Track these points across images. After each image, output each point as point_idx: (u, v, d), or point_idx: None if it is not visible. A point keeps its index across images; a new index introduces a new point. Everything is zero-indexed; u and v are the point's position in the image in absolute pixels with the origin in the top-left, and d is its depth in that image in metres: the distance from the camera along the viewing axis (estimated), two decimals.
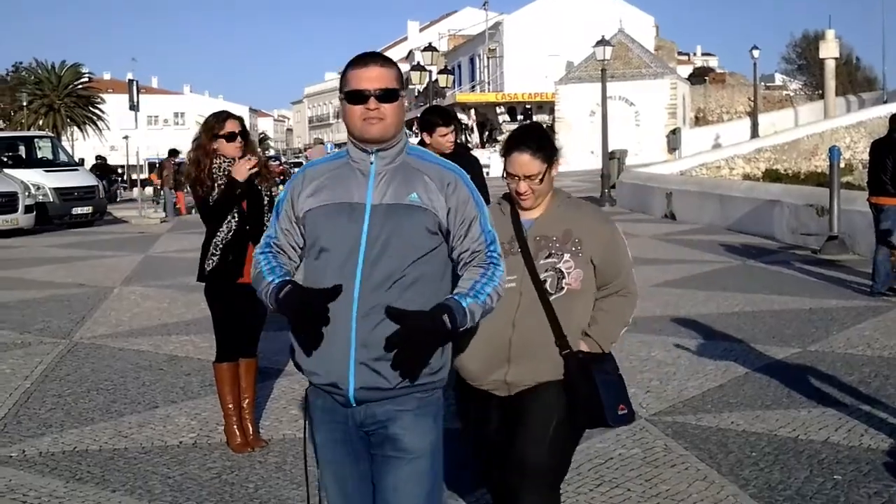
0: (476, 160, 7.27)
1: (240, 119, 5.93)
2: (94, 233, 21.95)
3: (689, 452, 5.70)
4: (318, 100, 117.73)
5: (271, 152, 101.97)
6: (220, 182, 5.67)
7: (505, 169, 3.63)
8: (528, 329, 3.53)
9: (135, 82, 25.74)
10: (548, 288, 3.54)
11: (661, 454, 5.69)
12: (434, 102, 41.19)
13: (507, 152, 3.61)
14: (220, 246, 5.74)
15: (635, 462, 5.56)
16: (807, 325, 9.09)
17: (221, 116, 5.79)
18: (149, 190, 34.60)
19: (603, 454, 5.71)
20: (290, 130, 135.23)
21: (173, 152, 30.27)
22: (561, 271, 3.56)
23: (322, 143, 45.00)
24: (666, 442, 5.91)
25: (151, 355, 8.56)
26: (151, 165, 54.68)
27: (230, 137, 5.65)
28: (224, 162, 5.73)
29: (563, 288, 3.55)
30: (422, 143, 6.50)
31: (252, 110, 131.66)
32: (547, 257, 3.58)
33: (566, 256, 3.57)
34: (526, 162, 3.57)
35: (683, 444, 5.86)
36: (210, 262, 5.76)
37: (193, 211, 27.05)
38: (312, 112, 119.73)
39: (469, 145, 56.60)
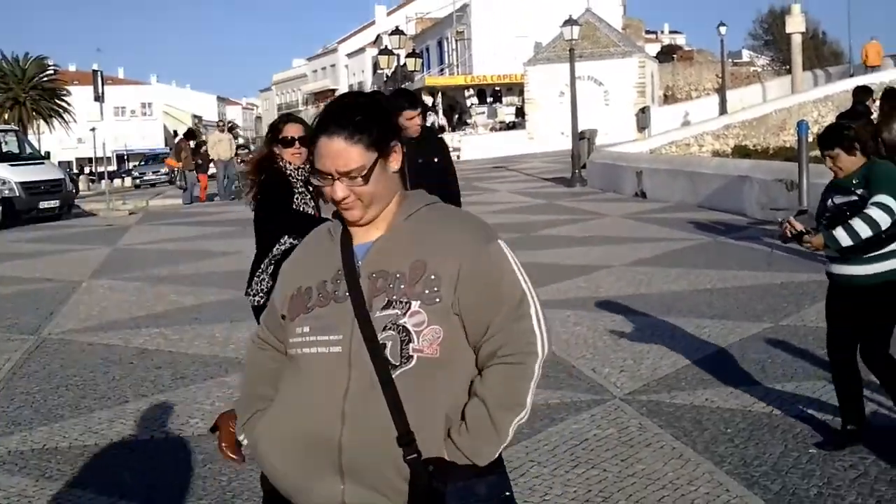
0: (445, 145, 7.20)
1: (303, 123, 5.55)
2: (62, 226, 21.70)
3: (663, 431, 5.70)
4: (287, 87, 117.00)
5: (240, 141, 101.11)
6: (298, 189, 5.12)
7: (313, 165, 2.39)
8: (366, 423, 2.25)
9: (99, 73, 25.41)
10: (388, 356, 2.26)
11: (637, 434, 5.68)
12: (404, 87, 41.02)
13: (312, 139, 2.40)
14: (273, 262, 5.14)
15: (611, 442, 5.55)
16: (778, 300, 9.11)
17: (283, 119, 5.44)
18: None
19: (578, 435, 5.69)
20: (258, 118, 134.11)
21: (190, 134, 29.68)
22: (406, 330, 2.27)
23: None
24: (641, 421, 5.90)
25: (121, 349, 8.46)
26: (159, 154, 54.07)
27: (287, 143, 5.20)
28: (290, 166, 5.19)
29: (410, 357, 2.26)
30: None
31: (220, 98, 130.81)
32: (385, 307, 2.29)
33: (414, 305, 2.27)
34: (338, 151, 2.32)
35: (658, 422, 5.85)
36: (262, 284, 5.13)
37: (217, 198, 26.95)
38: (281, 99, 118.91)
39: (444, 129, 56.52)
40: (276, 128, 5.33)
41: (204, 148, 28.03)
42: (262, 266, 5.11)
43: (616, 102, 46.00)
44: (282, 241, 5.11)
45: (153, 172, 49.47)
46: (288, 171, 5.11)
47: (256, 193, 5.15)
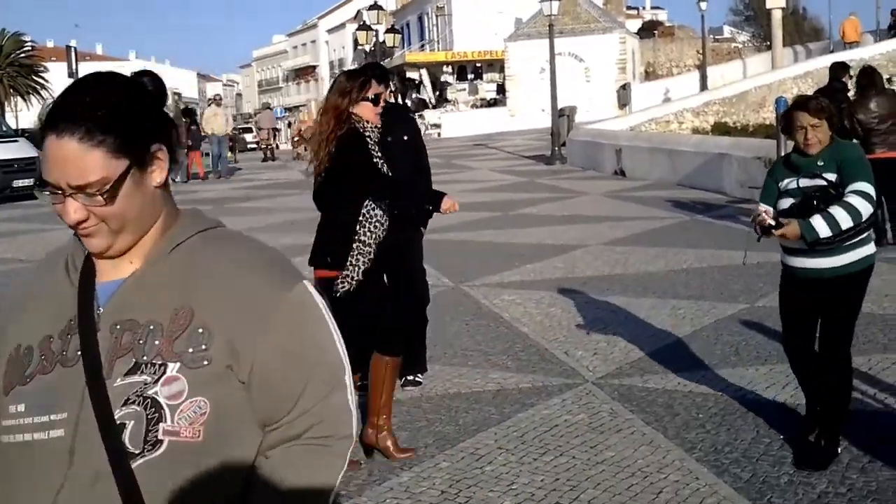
0: (412, 120, 7.01)
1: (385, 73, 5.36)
2: (37, 205, 21.41)
3: (635, 416, 5.62)
4: (267, 63, 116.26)
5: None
6: (375, 152, 4.86)
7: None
8: None
9: (73, 49, 25.12)
10: (126, 442, 1.62)
11: (608, 419, 5.60)
12: (383, 63, 40.76)
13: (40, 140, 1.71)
14: (376, 240, 4.92)
15: (581, 428, 5.46)
16: (755, 280, 9.03)
17: (368, 73, 5.01)
18: None
19: (548, 421, 5.61)
20: (239, 95, 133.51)
21: (187, 112, 29.10)
22: (156, 404, 1.64)
23: (270, 108, 44.41)
24: (612, 406, 5.82)
25: None
26: None
27: (374, 101, 4.89)
28: (368, 126, 4.90)
29: (158, 442, 1.63)
30: None
31: (200, 75, 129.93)
32: (130, 372, 1.66)
33: (172, 368, 1.66)
34: (69, 157, 1.64)
35: (630, 407, 5.77)
36: (358, 264, 4.86)
37: (210, 176, 26.52)
38: (261, 76, 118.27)
39: (426, 104, 56.20)
40: (357, 85, 4.88)
41: (194, 127, 27.65)
42: (356, 246, 4.84)
43: (597, 79, 45.82)
44: (368, 208, 4.86)
45: None
46: (366, 132, 4.85)
47: (329, 155, 4.79)
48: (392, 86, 5.68)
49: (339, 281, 4.83)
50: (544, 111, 32.67)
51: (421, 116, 53.07)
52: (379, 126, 4.90)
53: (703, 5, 46.18)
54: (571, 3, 46.83)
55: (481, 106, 53.45)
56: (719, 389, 6.03)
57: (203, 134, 26.94)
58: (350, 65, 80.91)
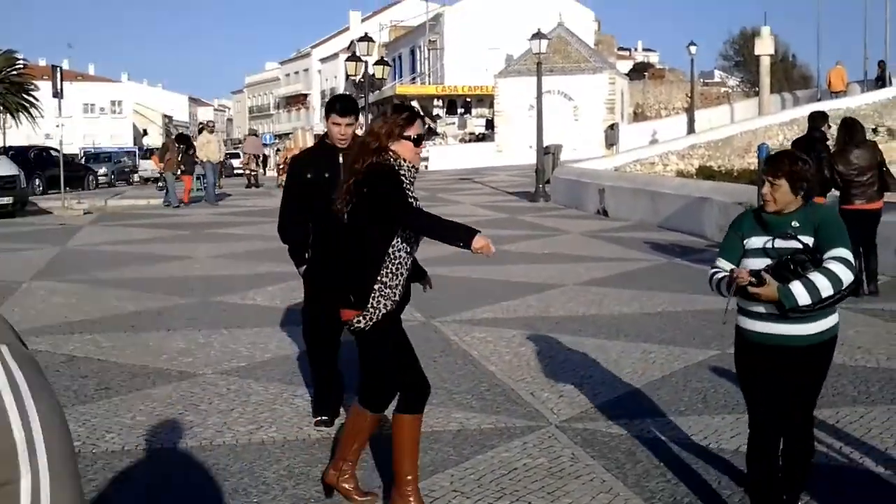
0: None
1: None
2: (14, 224, 21.27)
3: (595, 462, 5.50)
4: (259, 90, 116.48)
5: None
6: (411, 192, 4.66)
7: None
8: None
9: (58, 68, 24.91)
10: None
11: (568, 464, 5.47)
12: (371, 94, 40.77)
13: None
14: (399, 282, 4.68)
15: (540, 473, 5.34)
16: (728, 326, 8.90)
17: (408, 112, 4.79)
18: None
19: (507, 464, 5.48)
20: (230, 120, 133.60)
21: (181, 138, 28.85)
22: None
23: (256, 134, 44.34)
24: (574, 451, 5.70)
25: (49, 356, 8.13)
26: (150, 150, 52.75)
27: (417, 141, 4.68)
28: (405, 164, 4.65)
29: None
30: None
31: (192, 99, 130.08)
32: None
33: None
34: None
35: (592, 452, 5.65)
36: (379, 307, 4.63)
37: (204, 200, 25.99)
38: (253, 102, 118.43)
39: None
40: (402, 122, 4.65)
41: (192, 150, 27.28)
42: (382, 278, 4.59)
43: (586, 118, 46.03)
44: (395, 248, 4.61)
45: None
46: (401, 169, 4.65)
47: (357, 186, 4.58)
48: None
49: (356, 319, 4.62)
50: (531, 147, 32.71)
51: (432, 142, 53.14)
52: (417, 168, 4.72)
53: (693, 49, 46.56)
54: (562, 42, 47.16)
55: (470, 140, 53.58)
56: (683, 437, 5.92)
57: (196, 160, 26.77)
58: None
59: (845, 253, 4.23)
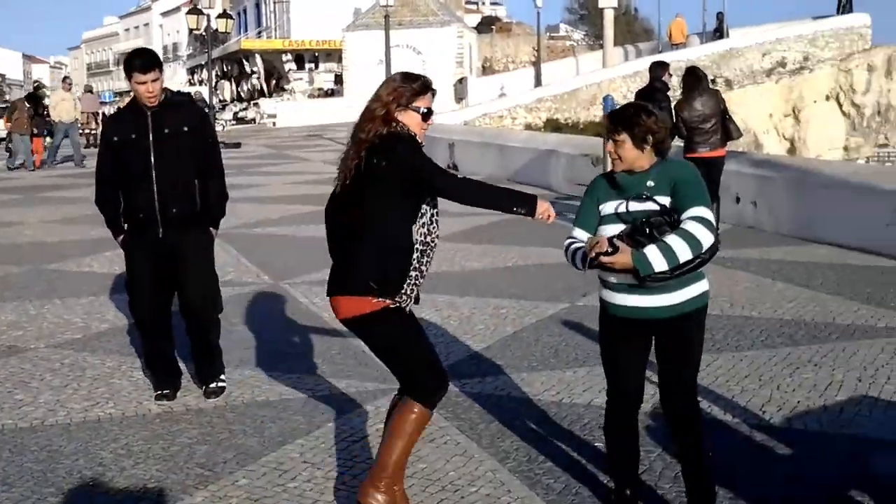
0: (202, 113, 6.45)
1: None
2: None
3: (449, 424, 5.40)
4: (97, 45, 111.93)
5: (47, 101, 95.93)
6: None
7: None
8: None
9: None
10: None
11: None
12: (215, 49, 39.57)
13: None
14: (426, 271, 4.16)
15: None
16: (577, 278, 8.95)
17: (423, 83, 4.23)
18: None
19: (359, 430, 5.32)
20: (67, 78, 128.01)
21: (32, 96, 26.21)
22: None
23: (91, 91, 42.39)
24: None
25: None
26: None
27: (426, 116, 4.20)
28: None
29: None
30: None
31: (26, 56, 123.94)
32: None
33: None
34: None
35: (445, 414, 5.54)
36: (412, 294, 4.13)
37: (52, 165, 23.61)
38: (91, 58, 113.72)
39: (259, 91, 55.01)
40: (413, 91, 4.17)
41: (44, 110, 25.36)
42: (413, 274, 4.04)
43: (435, 72, 45.65)
44: (428, 227, 4.09)
45: None
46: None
47: (363, 159, 4.03)
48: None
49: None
50: None
51: (256, 105, 52.07)
52: (423, 144, 4.18)
53: (540, 2, 46.86)
54: None
55: (318, 96, 52.81)
56: (537, 394, 5.89)
57: (50, 120, 25.01)
58: (185, 49, 78.70)
59: (705, 212, 3.84)
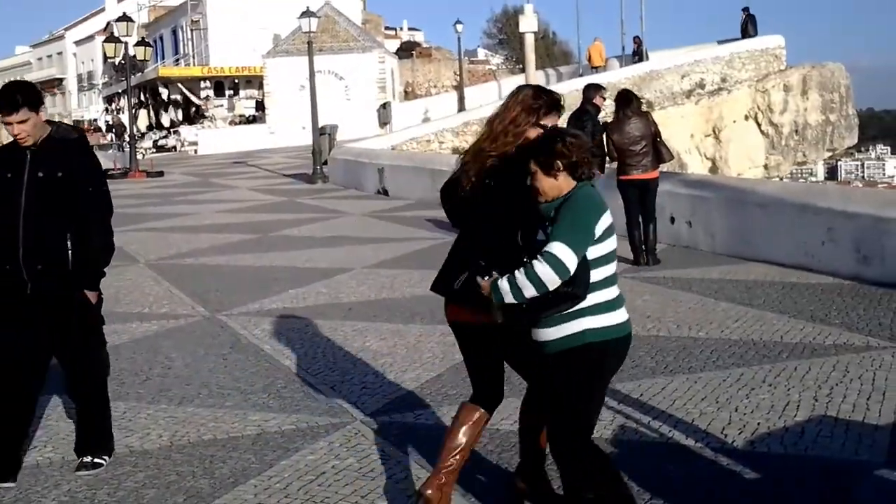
0: (84, 150, 5.37)
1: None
2: None
3: (408, 458, 5.22)
4: (8, 75, 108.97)
5: None
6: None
7: None
8: None
9: None
10: None
11: (378, 462, 5.16)
12: (133, 77, 38.83)
13: None
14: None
15: (350, 475, 5.00)
16: None
17: (555, 100, 4.09)
18: None
19: (314, 468, 5.11)
20: None
21: None
22: None
23: None
24: (383, 447, 5.40)
25: None
26: None
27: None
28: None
29: None
30: None
31: None
32: None
33: None
34: None
35: (402, 448, 5.36)
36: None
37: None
38: None
39: (179, 120, 54.21)
40: (544, 102, 4.00)
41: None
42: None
43: (357, 97, 45.75)
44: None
45: None
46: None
47: (494, 170, 3.93)
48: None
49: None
50: (305, 128, 32.19)
51: (177, 132, 51.31)
52: None
53: (460, 27, 47.14)
54: (330, 22, 46.63)
55: (240, 122, 52.25)
56: (493, 423, 5.70)
57: None
58: (100, 78, 77.29)
59: (557, 248, 3.64)
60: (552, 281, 3.64)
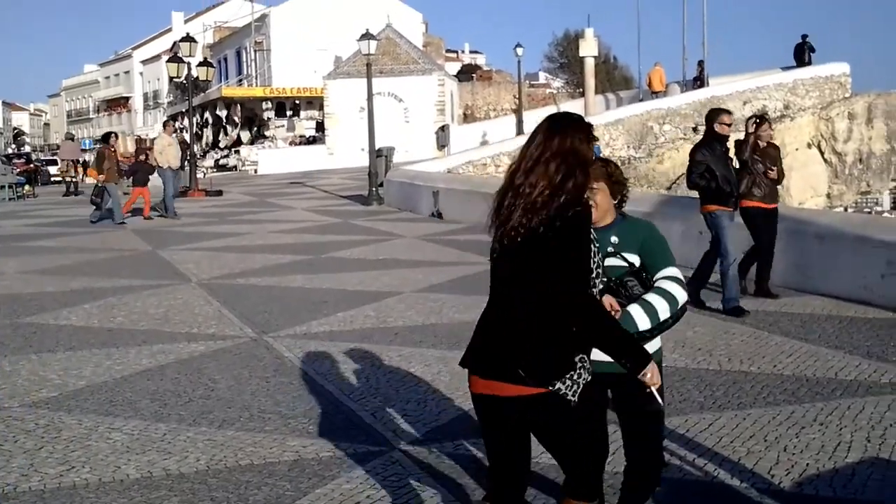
0: None
1: None
2: None
3: (445, 489, 5.12)
4: (77, 93, 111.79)
5: (26, 148, 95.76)
6: (593, 260, 3.51)
7: None
8: None
9: None
10: None
11: (414, 494, 5.07)
12: (196, 97, 39.46)
13: None
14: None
15: None
16: None
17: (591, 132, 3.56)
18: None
19: (349, 498, 5.04)
20: (47, 125, 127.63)
21: (107, 137, 22.91)
22: None
23: (73, 138, 42.17)
24: (420, 477, 5.31)
25: None
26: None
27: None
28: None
29: None
30: None
31: (5, 103, 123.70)
32: None
33: None
34: None
35: (438, 479, 5.27)
36: (580, 381, 3.43)
37: (175, 216, 21.11)
38: (71, 106, 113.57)
39: (238, 139, 54.87)
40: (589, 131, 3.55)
41: (144, 156, 23.42)
42: (579, 358, 3.42)
43: (416, 120, 45.96)
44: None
45: None
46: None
47: (549, 218, 3.34)
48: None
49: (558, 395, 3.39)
50: (363, 150, 32.35)
51: (237, 152, 51.96)
52: None
53: (520, 51, 47.15)
54: (391, 44, 46.96)
55: (300, 143, 52.75)
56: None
57: (156, 166, 22.67)
58: (165, 97, 78.69)
59: (676, 272, 3.92)
60: (683, 300, 3.87)
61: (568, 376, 3.36)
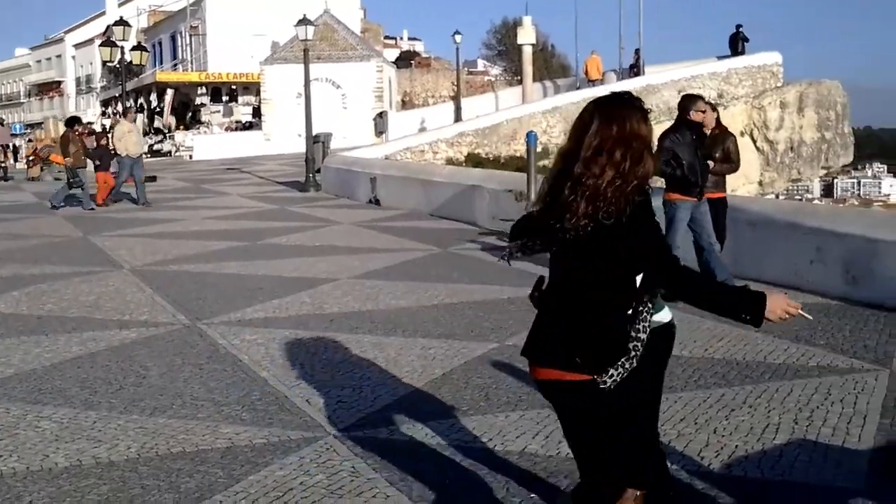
0: None
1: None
2: None
3: (378, 475, 5.11)
4: (7, 77, 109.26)
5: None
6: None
7: None
8: None
9: None
10: None
11: (348, 479, 5.06)
12: (130, 81, 38.84)
13: None
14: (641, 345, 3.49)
15: (318, 492, 4.90)
16: (505, 317, 8.80)
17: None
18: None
19: (282, 484, 5.01)
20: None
21: (73, 121, 22.76)
22: None
23: (2, 123, 41.24)
24: (354, 463, 5.29)
25: None
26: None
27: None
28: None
29: None
30: None
31: None
32: None
33: None
34: None
35: (373, 464, 5.26)
36: (627, 367, 3.45)
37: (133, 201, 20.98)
38: (1, 90, 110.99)
39: (168, 126, 54.14)
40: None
41: (105, 140, 23.00)
42: (633, 346, 3.44)
43: (354, 106, 45.76)
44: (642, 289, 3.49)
45: None
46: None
47: (616, 208, 3.30)
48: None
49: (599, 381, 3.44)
50: (300, 136, 32.12)
51: (172, 137, 51.28)
52: None
53: (459, 38, 47.11)
54: (329, 30, 46.65)
55: (236, 129, 52.23)
56: (468, 441, 5.64)
57: (115, 154, 22.02)
58: (98, 81, 77.29)
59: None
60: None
61: (620, 363, 3.42)
